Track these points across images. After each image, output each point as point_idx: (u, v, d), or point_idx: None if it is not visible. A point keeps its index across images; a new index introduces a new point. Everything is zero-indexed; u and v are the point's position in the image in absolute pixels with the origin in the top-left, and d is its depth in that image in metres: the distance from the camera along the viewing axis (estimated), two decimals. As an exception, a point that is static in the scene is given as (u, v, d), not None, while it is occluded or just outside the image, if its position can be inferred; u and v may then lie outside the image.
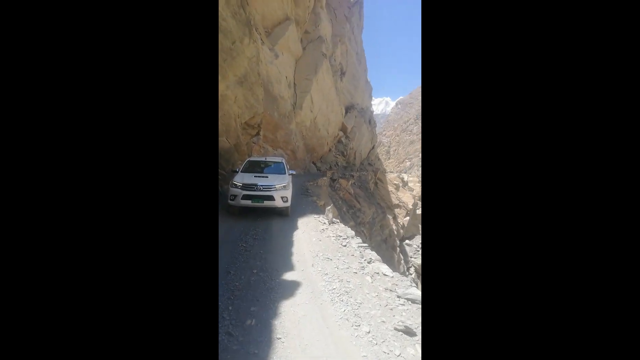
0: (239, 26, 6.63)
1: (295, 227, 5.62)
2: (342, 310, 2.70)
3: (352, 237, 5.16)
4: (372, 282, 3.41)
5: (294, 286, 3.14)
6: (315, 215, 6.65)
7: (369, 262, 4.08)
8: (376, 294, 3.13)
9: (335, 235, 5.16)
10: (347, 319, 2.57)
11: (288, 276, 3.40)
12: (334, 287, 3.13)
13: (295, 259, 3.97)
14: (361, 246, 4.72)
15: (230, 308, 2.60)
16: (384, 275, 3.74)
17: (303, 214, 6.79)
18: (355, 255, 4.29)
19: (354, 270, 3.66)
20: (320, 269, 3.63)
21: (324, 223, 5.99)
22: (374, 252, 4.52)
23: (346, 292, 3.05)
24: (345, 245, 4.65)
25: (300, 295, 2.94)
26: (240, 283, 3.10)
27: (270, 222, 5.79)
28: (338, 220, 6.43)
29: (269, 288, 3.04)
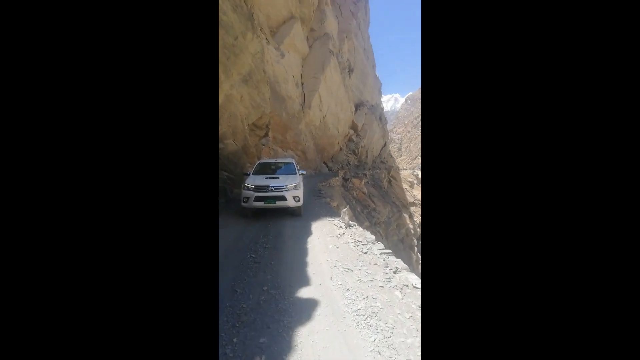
0: (240, 20, 6.24)
1: (309, 232, 5.16)
2: (372, 339, 2.19)
3: (373, 243, 4.64)
4: (402, 299, 2.89)
5: (311, 306, 2.66)
6: (330, 218, 6.17)
7: (395, 272, 3.55)
8: (410, 314, 2.61)
9: (353, 240, 4.65)
10: (379, 352, 2.06)
11: (303, 293, 2.92)
12: (359, 307, 2.63)
13: (311, 270, 3.49)
14: (384, 253, 4.19)
15: (235, 340, 2.14)
16: (415, 287, 3.21)
17: (317, 217, 6.33)
18: (378, 263, 3.77)
19: (380, 284, 3.14)
20: (340, 282, 3.13)
21: (340, 227, 5.50)
22: (399, 260, 3.98)
23: (374, 313, 2.54)
24: (366, 252, 4.13)
25: (319, 319, 2.45)
26: (248, 305, 2.65)
27: (282, 227, 5.36)
28: (355, 224, 5.92)
29: (282, 310, 2.58)
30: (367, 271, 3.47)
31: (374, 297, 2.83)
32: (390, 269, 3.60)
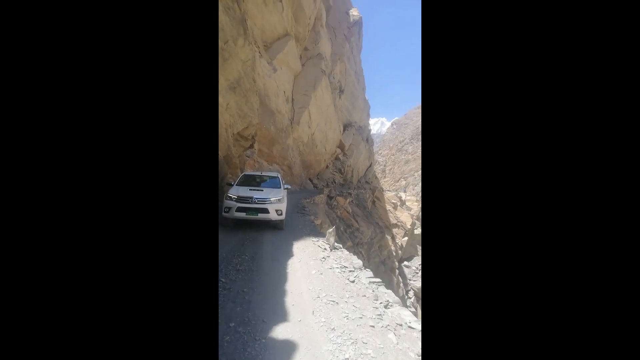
0: (232, 24, 5.97)
1: (290, 253, 4.66)
2: (364, 405, 1.71)
3: (361, 269, 4.19)
4: (397, 343, 2.43)
5: (287, 352, 2.15)
6: (314, 239, 5.70)
7: (386, 307, 3.11)
8: (408, 366, 2.16)
9: (339, 265, 4.19)
10: None
11: (279, 332, 2.41)
12: (347, 355, 2.14)
13: (290, 301, 2.98)
14: (373, 282, 3.75)
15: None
16: (410, 327, 2.77)
17: (299, 236, 5.84)
18: (367, 295, 3.31)
19: (370, 322, 2.68)
20: (324, 319, 2.64)
21: (325, 249, 5.03)
22: (390, 291, 3.55)
23: (365, 364, 2.07)
24: (353, 281, 3.67)
25: (296, 372, 1.95)
26: (208, 347, 2.10)
27: (260, 246, 4.83)
28: (340, 246, 5.47)
29: (250, 357, 2.05)
30: (355, 305, 3.00)
31: (365, 341, 2.36)
32: (381, 303, 3.15)
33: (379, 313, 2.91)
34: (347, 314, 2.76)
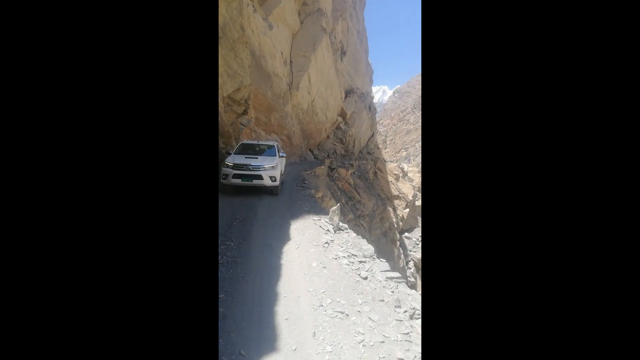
0: (208, -55, 4.63)
1: (286, 237, 3.86)
2: None
3: (373, 259, 3.39)
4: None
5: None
6: (315, 217, 4.88)
7: (412, 317, 2.32)
8: None
9: (346, 254, 3.39)
10: None
11: (264, 372, 1.61)
12: None
13: (283, 313, 2.19)
14: (390, 277, 2.95)
15: None
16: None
17: (299, 213, 5.02)
18: (386, 299, 2.52)
19: (397, 351, 1.88)
20: (330, 347, 1.85)
21: (328, 231, 4.22)
22: (414, 292, 2.76)
23: None
24: (365, 278, 2.87)
25: None
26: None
27: (250, 228, 4.02)
28: (346, 226, 4.66)
29: None
30: (372, 317, 2.21)
31: (393, 389, 1.58)
32: (406, 312, 2.36)
33: (405, 330, 2.12)
34: (363, 337, 1.96)
